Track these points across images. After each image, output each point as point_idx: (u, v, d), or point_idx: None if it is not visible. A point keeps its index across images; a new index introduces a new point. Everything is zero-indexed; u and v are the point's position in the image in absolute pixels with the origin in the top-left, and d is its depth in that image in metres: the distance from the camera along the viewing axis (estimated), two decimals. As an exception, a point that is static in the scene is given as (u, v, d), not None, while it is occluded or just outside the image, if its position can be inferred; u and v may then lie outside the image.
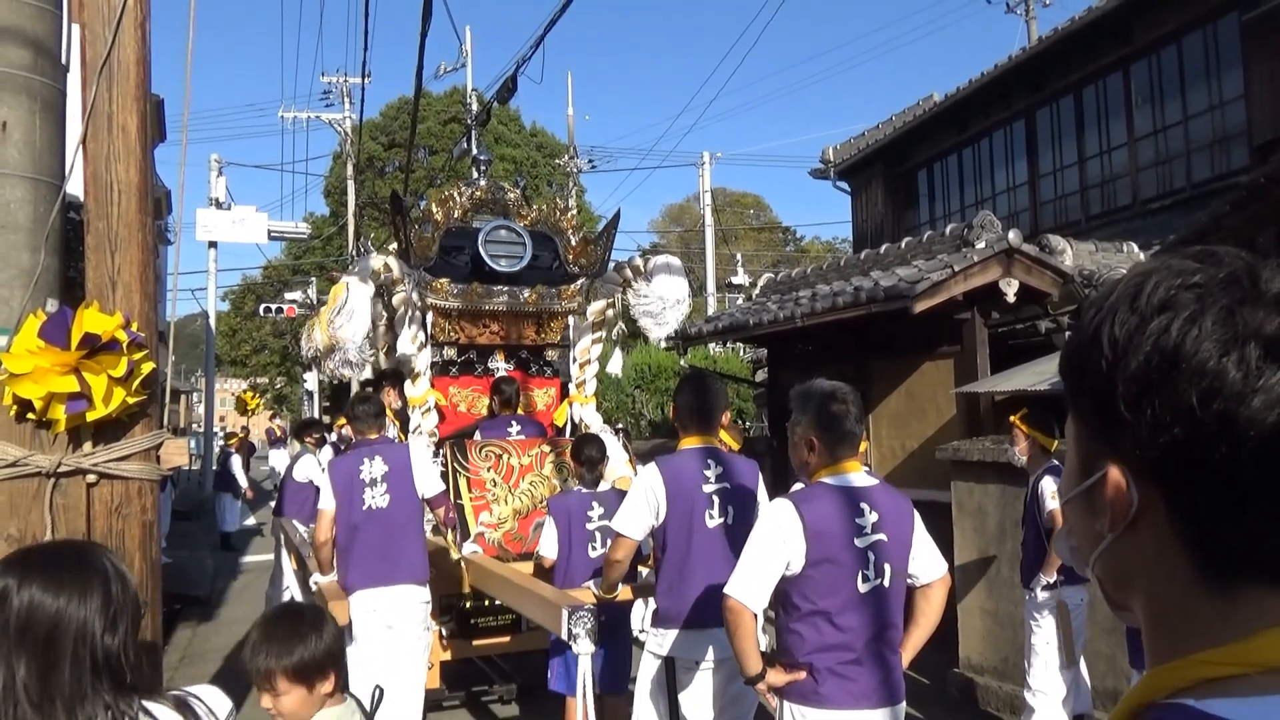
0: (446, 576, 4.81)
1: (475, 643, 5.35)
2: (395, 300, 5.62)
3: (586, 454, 4.51)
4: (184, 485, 19.78)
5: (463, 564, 4.85)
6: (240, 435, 15.71)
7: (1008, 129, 11.55)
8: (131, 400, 2.34)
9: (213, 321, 22.61)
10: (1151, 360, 0.62)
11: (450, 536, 4.75)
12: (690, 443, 3.43)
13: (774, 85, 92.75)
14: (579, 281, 6.12)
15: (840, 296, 6.88)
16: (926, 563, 2.75)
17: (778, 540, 2.56)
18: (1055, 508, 4.27)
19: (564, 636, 3.32)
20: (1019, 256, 6.28)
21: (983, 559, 5.62)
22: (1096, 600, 4.38)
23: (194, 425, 34.44)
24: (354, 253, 14.56)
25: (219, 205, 22.07)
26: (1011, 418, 4.66)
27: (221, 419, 43.58)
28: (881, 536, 2.62)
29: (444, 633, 5.16)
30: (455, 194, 6.05)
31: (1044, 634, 4.48)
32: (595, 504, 4.42)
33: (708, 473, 3.35)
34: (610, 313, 6.24)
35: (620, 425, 11.14)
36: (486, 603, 5.21)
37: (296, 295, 25.38)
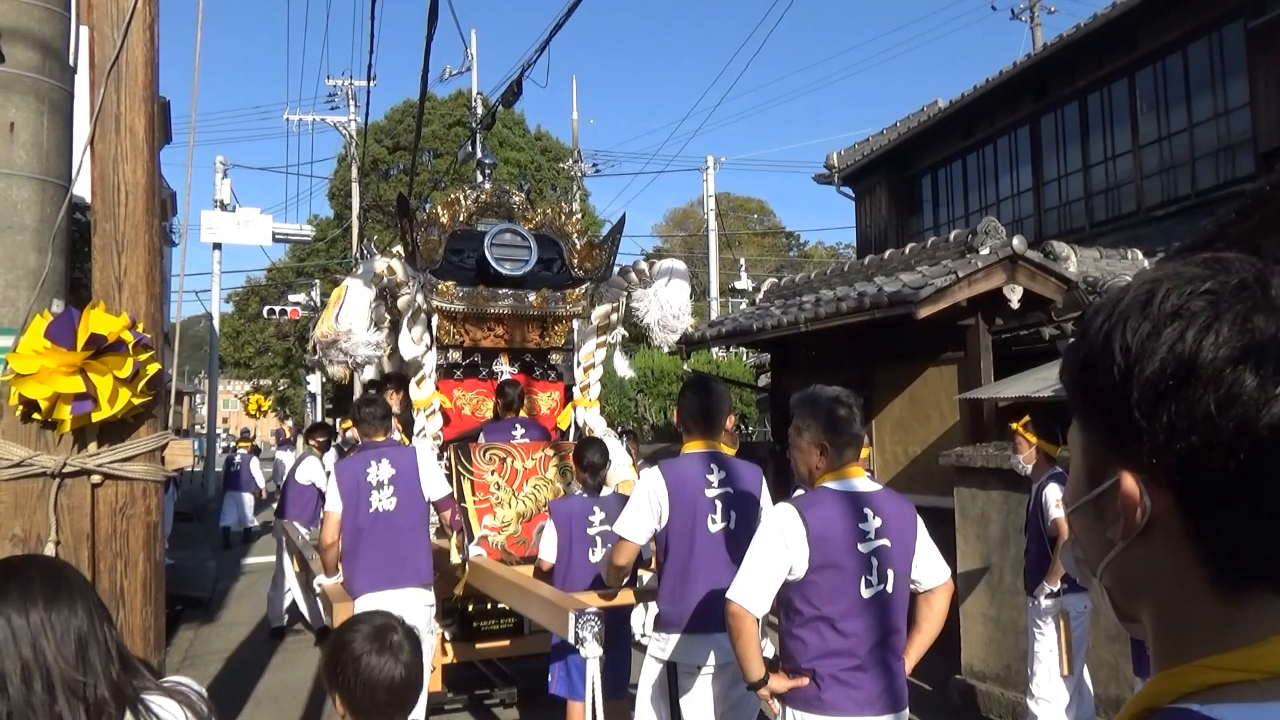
0: (446, 578, 4.82)
1: (477, 646, 5.35)
2: (400, 303, 5.63)
3: (588, 458, 4.50)
4: (187, 487, 19.80)
5: (462, 567, 4.85)
6: (251, 438, 15.84)
7: (1012, 135, 11.55)
8: (137, 401, 2.34)
9: (216, 323, 22.63)
10: (1167, 367, 0.62)
11: (455, 540, 4.75)
12: (694, 447, 3.42)
13: (778, 91, 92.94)
14: (584, 285, 6.12)
15: (844, 302, 6.88)
16: (930, 568, 2.75)
17: (780, 545, 2.56)
18: (1060, 516, 4.25)
19: (571, 640, 3.31)
20: (1023, 263, 6.28)
21: (985, 565, 5.61)
22: (1099, 607, 4.36)
23: (197, 427, 34.53)
24: (358, 255, 14.57)
25: (224, 207, 22.12)
26: (1013, 425, 4.65)
27: (224, 420, 43.68)
28: (884, 542, 2.62)
29: (446, 636, 5.16)
30: (460, 197, 6.06)
31: (1047, 641, 4.47)
32: (596, 508, 4.42)
33: (711, 477, 3.35)
34: (614, 317, 6.25)
35: (628, 428, 11.15)
36: (488, 606, 5.21)
37: (300, 297, 25.42)
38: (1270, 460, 0.60)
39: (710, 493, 3.33)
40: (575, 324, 6.29)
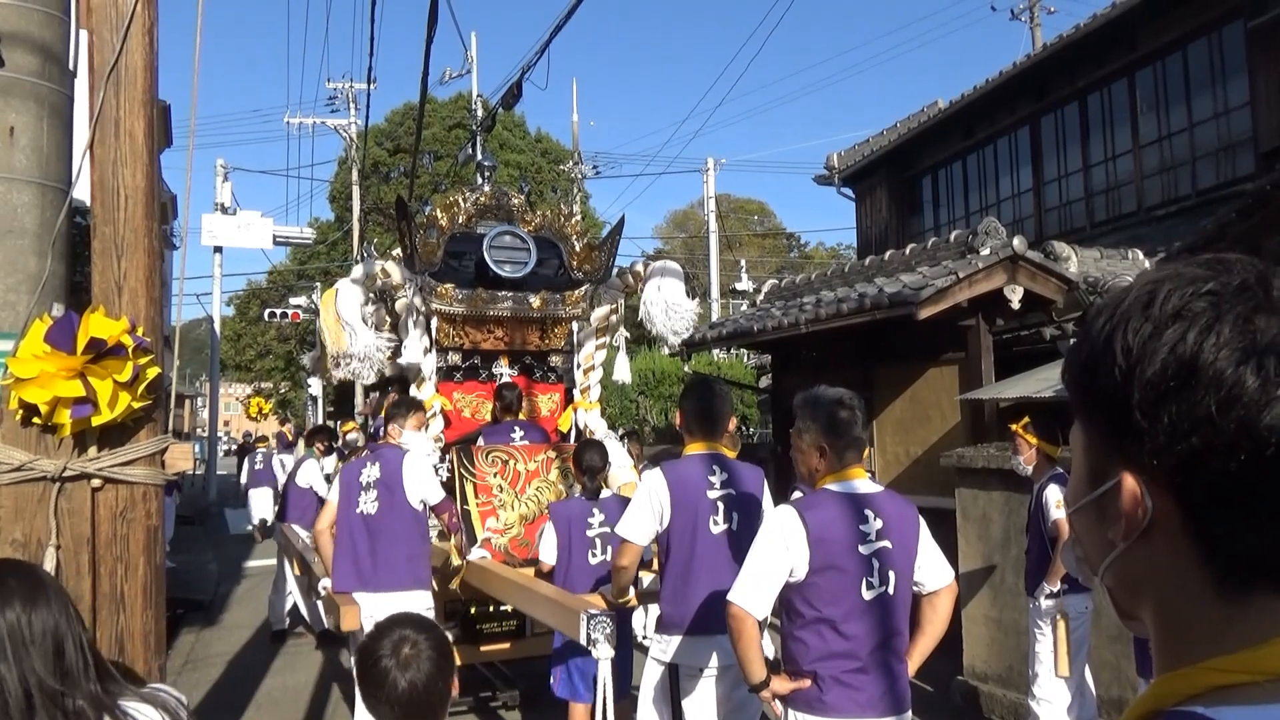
0: (446, 579, 4.82)
1: (480, 649, 5.35)
2: (397, 306, 5.63)
3: (587, 461, 4.50)
4: (188, 490, 19.80)
5: (459, 570, 4.85)
6: (254, 439, 15.86)
7: (1012, 135, 11.54)
8: (137, 405, 2.34)
9: (217, 326, 22.65)
10: (1168, 368, 0.62)
11: (455, 542, 4.75)
12: (695, 448, 3.42)
13: (779, 92, 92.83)
14: (583, 287, 6.12)
15: (845, 303, 6.88)
16: (933, 570, 2.74)
17: (781, 547, 2.55)
18: (1061, 517, 4.25)
19: (583, 641, 3.30)
20: (1023, 263, 6.28)
21: (987, 566, 5.60)
22: (1101, 608, 4.36)
23: (198, 430, 34.53)
24: (358, 258, 14.59)
25: (224, 210, 22.15)
26: (1013, 426, 4.64)
27: (226, 424, 43.62)
28: (886, 543, 2.61)
29: (449, 638, 5.15)
30: (460, 199, 6.06)
31: (1048, 642, 4.46)
32: (596, 510, 4.42)
33: (712, 479, 3.34)
34: (614, 318, 6.24)
35: (630, 429, 11.14)
36: (491, 608, 5.21)
37: (301, 300, 25.42)
38: (1271, 461, 0.60)
39: (712, 494, 3.33)
40: (575, 326, 6.29)
